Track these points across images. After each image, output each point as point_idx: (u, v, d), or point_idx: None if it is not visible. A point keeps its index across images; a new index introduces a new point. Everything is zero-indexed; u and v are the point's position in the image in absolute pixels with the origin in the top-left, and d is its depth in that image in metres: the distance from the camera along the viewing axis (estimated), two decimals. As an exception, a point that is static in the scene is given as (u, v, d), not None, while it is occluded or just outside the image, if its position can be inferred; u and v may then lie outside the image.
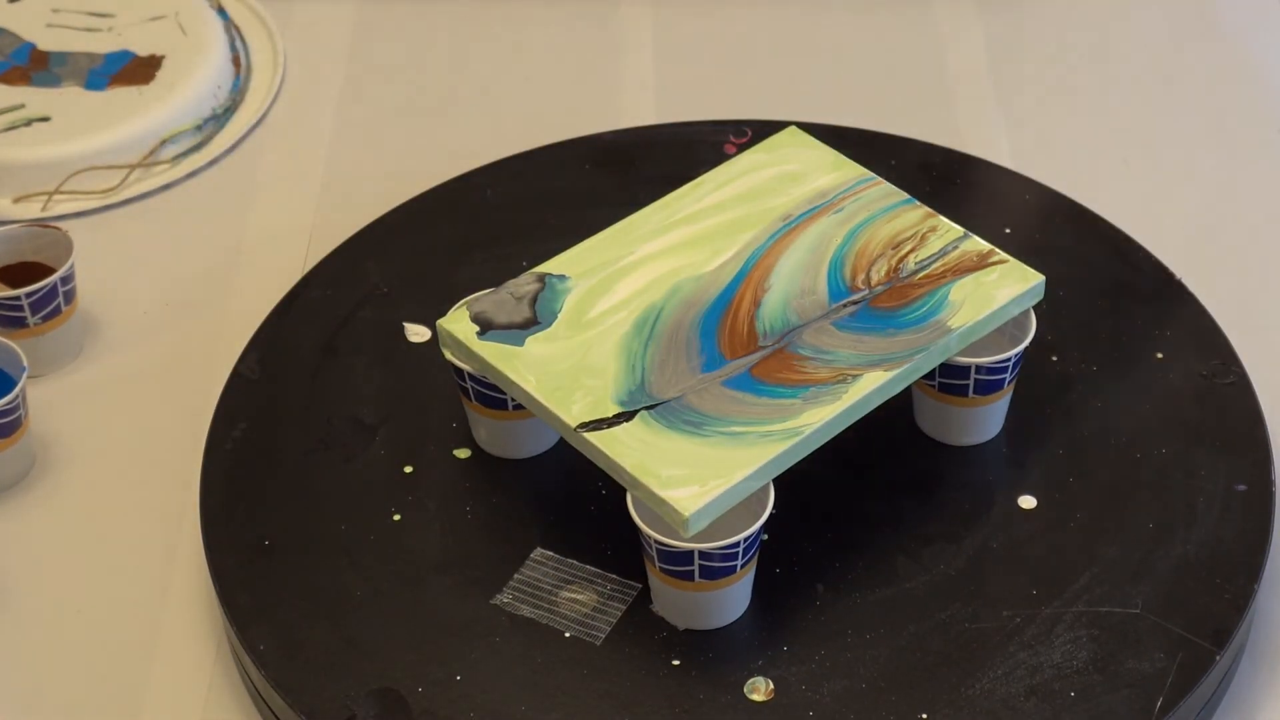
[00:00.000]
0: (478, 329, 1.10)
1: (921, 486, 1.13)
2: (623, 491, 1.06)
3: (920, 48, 1.50)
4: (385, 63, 1.51)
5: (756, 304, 1.12)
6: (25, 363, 1.19)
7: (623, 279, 1.13)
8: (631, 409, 1.06)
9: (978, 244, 1.15)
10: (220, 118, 1.45)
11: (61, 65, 1.45)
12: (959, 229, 1.16)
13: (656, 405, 1.06)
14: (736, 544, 1.03)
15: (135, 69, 1.44)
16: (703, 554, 1.02)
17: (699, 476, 1.03)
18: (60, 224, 1.31)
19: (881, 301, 1.12)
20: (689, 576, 1.04)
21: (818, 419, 1.06)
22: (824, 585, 1.08)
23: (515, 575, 1.08)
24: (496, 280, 1.16)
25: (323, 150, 1.43)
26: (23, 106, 1.42)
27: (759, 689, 1.03)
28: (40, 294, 1.24)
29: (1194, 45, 1.49)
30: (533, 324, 1.11)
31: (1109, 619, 1.06)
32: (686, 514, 1.01)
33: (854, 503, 1.12)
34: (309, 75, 1.50)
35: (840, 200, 1.18)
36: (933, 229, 1.16)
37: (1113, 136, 1.43)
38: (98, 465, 1.22)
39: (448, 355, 1.12)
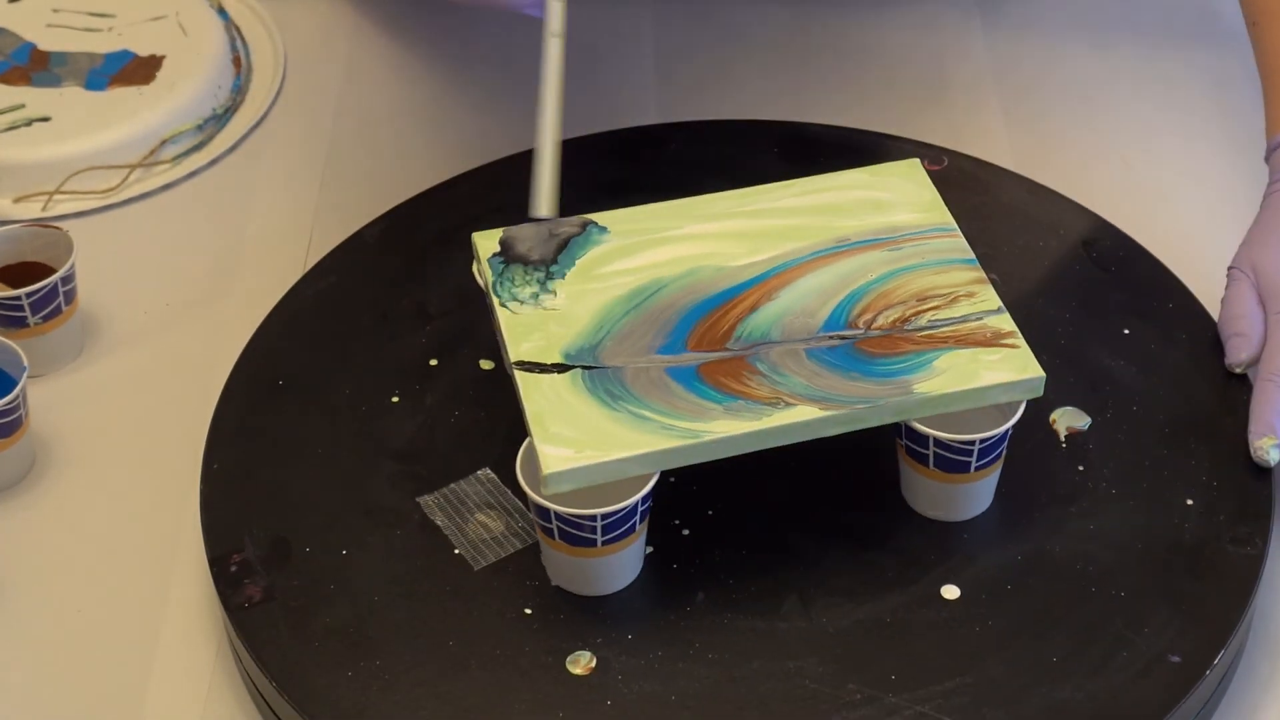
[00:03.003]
0: (497, 250, 1.13)
1: (861, 539, 1.11)
2: None
3: (920, 47, 1.50)
4: (386, 63, 1.51)
5: (752, 310, 1.12)
6: (25, 363, 1.19)
7: (654, 248, 1.14)
8: (570, 365, 1.08)
9: (1003, 322, 1.10)
10: (220, 118, 1.45)
11: (62, 65, 1.45)
12: (996, 302, 1.11)
13: (593, 369, 1.08)
14: (593, 516, 1.04)
15: (135, 69, 1.45)
16: (558, 515, 1.05)
17: (580, 442, 1.04)
18: (60, 224, 1.31)
19: (867, 346, 1.08)
20: (550, 534, 1.06)
21: (725, 430, 1.05)
22: (705, 595, 1.08)
23: (451, 485, 1.12)
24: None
25: (323, 150, 1.43)
26: (23, 106, 1.42)
27: (579, 662, 1.05)
28: (40, 294, 1.24)
29: (1194, 45, 1.49)
30: (548, 263, 1.12)
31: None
32: (546, 471, 1.03)
33: (786, 526, 1.11)
34: (309, 75, 1.50)
35: (904, 240, 1.14)
36: (970, 294, 1.11)
37: (1113, 137, 1.42)
38: (98, 465, 1.22)
39: (479, 276, 1.14)
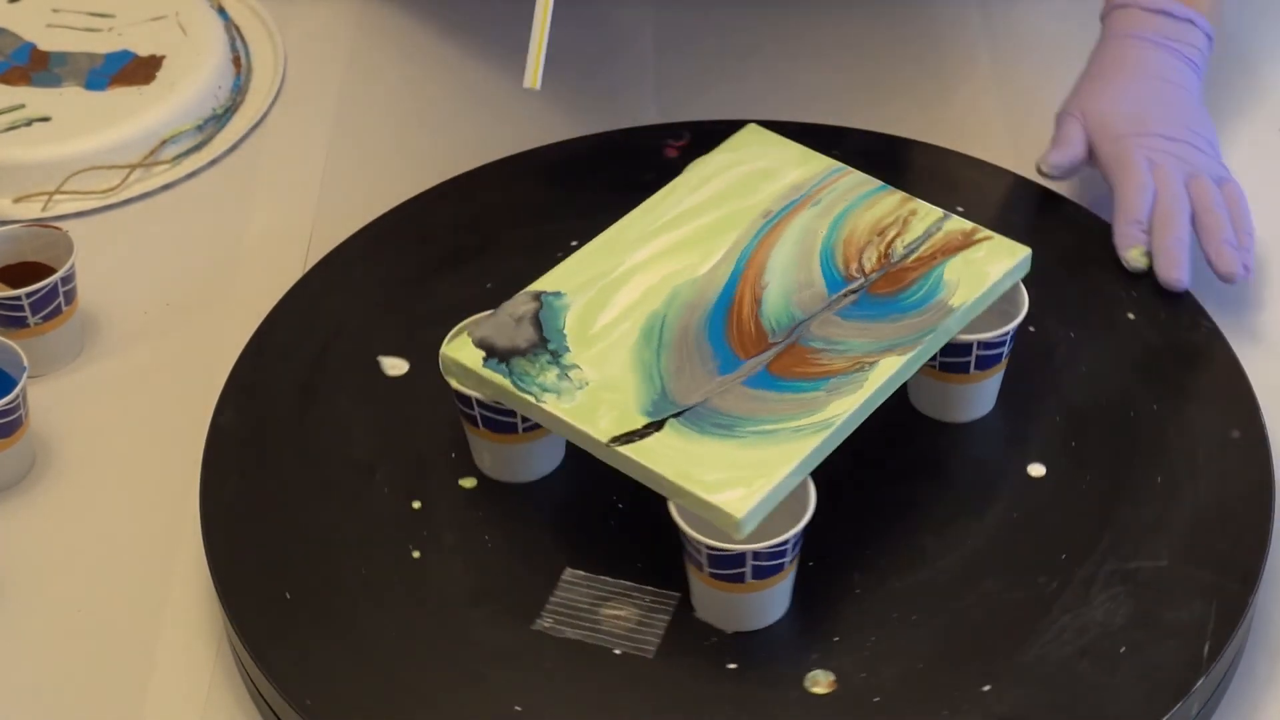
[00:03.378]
0: (484, 355, 1.10)
1: (930, 467, 1.14)
2: (641, 503, 1.07)
3: (921, 47, 1.50)
4: (386, 62, 1.51)
5: (758, 302, 1.12)
6: (25, 363, 1.19)
7: (618, 290, 1.13)
8: (659, 418, 1.06)
9: (960, 223, 1.16)
10: (220, 118, 1.45)
11: (62, 65, 1.45)
12: (938, 210, 1.17)
13: (682, 412, 1.06)
14: (786, 541, 1.03)
15: (135, 69, 1.45)
16: (755, 554, 1.03)
17: (743, 478, 1.03)
18: (60, 224, 1.31)
19: (879, 288, 1.13)
20: (740, 579, 1.04)
21: (845, 408, 1.06)
22: (860, 574, 1.08)
23: (550, 599, 1.08)
24: (493, 282, 1.16)
25: (323, 150, 1.43)
26: (23, 106, 1.42)
27: (820, 682, 1.04)
28: (40, 294, 1.24)
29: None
30: (543, 344, 1.10)
31: (1139, 574, 1.07)
32: (739, 516, 1.01)
33: (867, 491, 1.12)
34: (309, 75, 1.50)
35: (816, 192, 1.19)
36: (913, 212, 1.17)
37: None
38: (98, 465, 1.22)
39: (453, 383, 1.11)
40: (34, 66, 1.45)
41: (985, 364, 1.14)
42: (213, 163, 1.42)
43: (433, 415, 1.17)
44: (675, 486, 1.03)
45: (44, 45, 1.47)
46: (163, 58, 1.46)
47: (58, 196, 1.38)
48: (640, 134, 1.36)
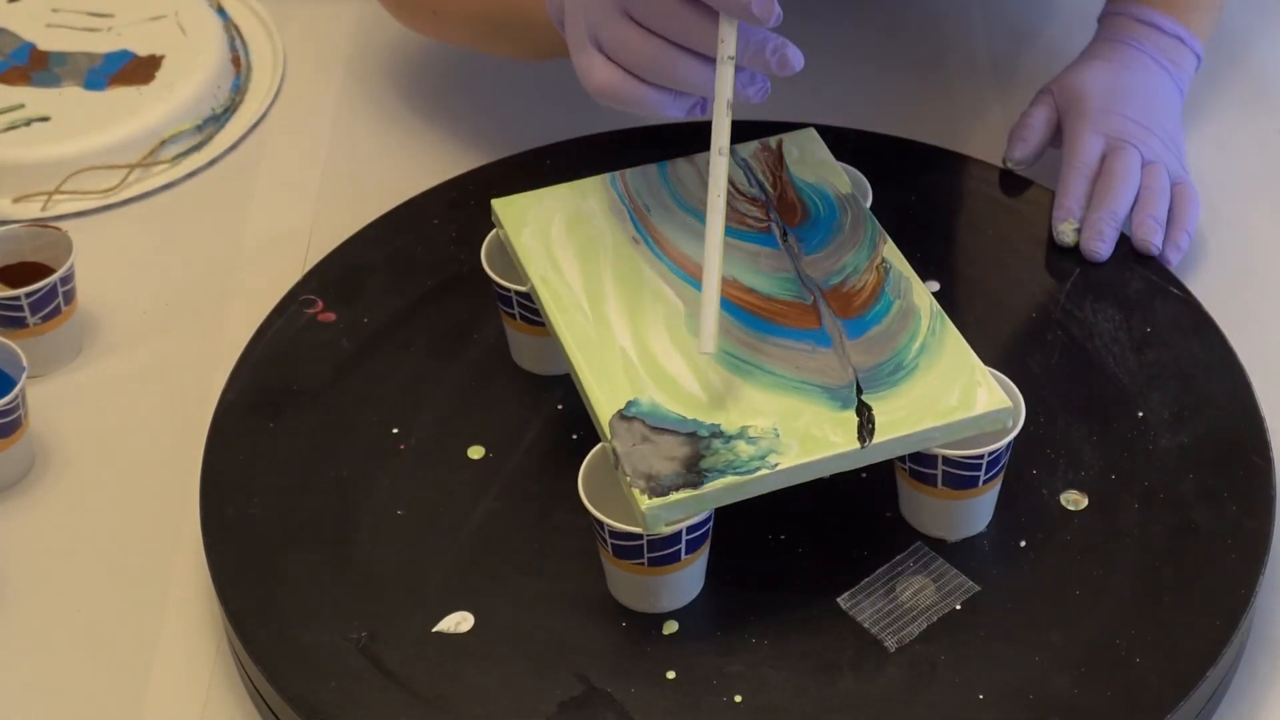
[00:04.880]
0: (682, 486, 1.03)
1: None
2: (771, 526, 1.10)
3: (921, 47, 1.50)
4: (385, 62, 1.50)
5: (750, 290, 1.13)
6: (25, 363, 1.19)
7: (662, 367, 1.09)
8: (856, 405, 1.07)
9: (748, 146, 1.21)
10: (220, 118, 1.45)
11: (61, 65, 1.45)
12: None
13: (859, 388, 1.07)
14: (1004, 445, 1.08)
15: (135, 69, 1.44)
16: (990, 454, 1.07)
17: (969, 382, 1.07)
18: (60, 224, 1.31)
19: (789, 220, 1.17)
20: (1001, 469, 1.09)
21: (924, 294, 1.12)
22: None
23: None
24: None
25: (323, 150, 1.43)
26: (23, 106, 1.42)
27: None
28: (40, 294, 1.24)
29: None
30: (693, 441, 1.05)
31: (1139, 574, 1.09)
32: (1006, 405, 1.06)
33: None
34: (309, 75, 1.49)
35: (635, 205, 1.18)
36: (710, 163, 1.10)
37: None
38: (98, 465, 1.22)
39: (666, 530, 1.04)
40: (33, 66, 1.45)
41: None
42: (212, 163, 1.42)
43: (433, 415, 1.17)
44: (945, 427, 1.05)
45: (43, 45, 1.46)
46: (162, 57, 1.46)
47: (57, 196, 1.38)
48: (640, 134, 1.36)
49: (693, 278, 1.13)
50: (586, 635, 1.06)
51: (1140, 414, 1.16)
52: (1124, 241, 1.27)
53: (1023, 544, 1.10)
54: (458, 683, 1.05)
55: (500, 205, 1.18)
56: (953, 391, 1.06)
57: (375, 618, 1.08)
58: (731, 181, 1.17)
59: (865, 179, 1.22)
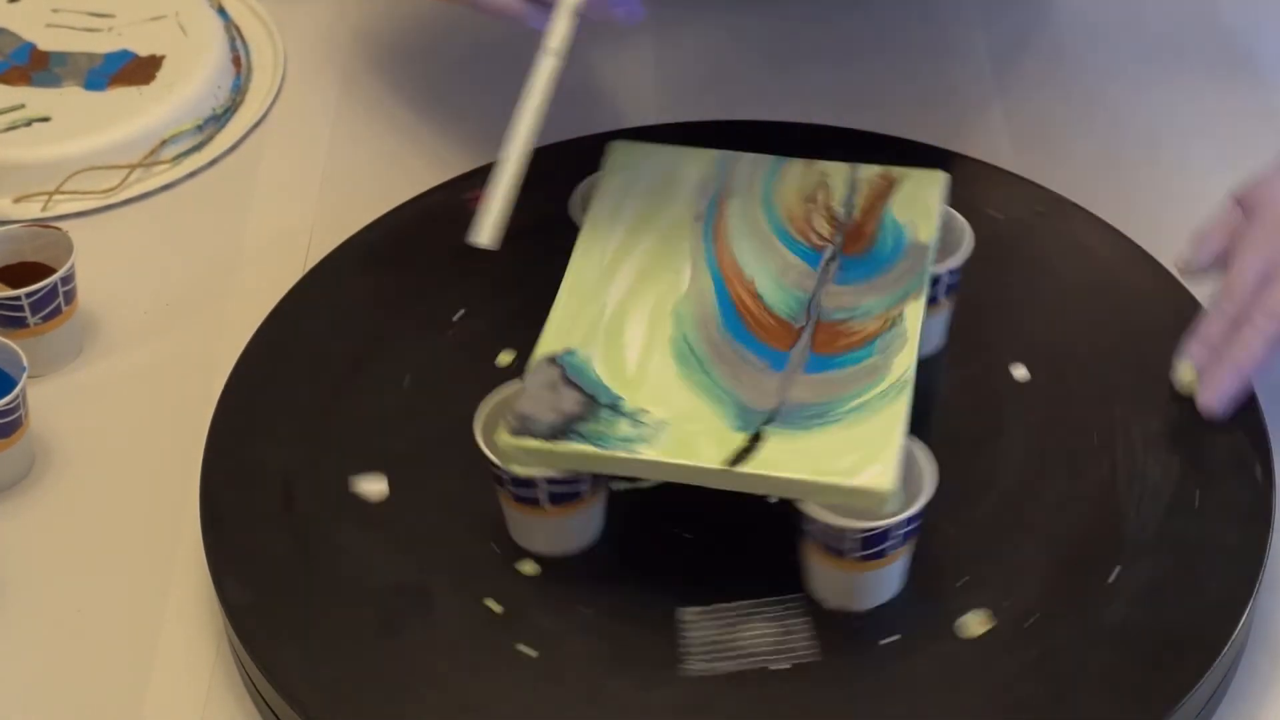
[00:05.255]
0: (559, 424, 1.06)
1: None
2: (705, 526, 1.09)
3: (921, 47, 1.50)
4: (385, 63, 1.51)
5: (757, 296, 1.13)
6: (25, 363, 1.19)
7: (623, 331, 1.12)
8: (753, 430, 1.06)
9: (869, 169, 1.20)
10: (220, 118, 1.45)
11: (61, 65, 1.45)
12: (844, 164, 1.21)
13: (771, 418, 1.06)
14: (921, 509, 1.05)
15: (135, 69, 1.45)
16: (907, 520, 1.04)
17: (869, 455, 1.04)
18: (60, 224, 1.31)
19: (850, 249, 1.16)
20: (884, 554, 1.05)
21: (907, 361, 1.09)
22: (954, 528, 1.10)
23: (683, 639, 1.06)
24: (494, 284, 1.16)
25: (323, 150, 1.43)
26: (23, 106, 1.42)
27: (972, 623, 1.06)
28: (40, 294, 1.24)
29: (1194, 45, 1.49)
30: (591, 403, 1.07)
31: (1139, 574, 1.09)
32: (887, 488, 1.03)
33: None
34: (309, 75, 1.50)
35: (726, 185, 1.21)
36: (823, 173, 1.21)
37: (1113, 137, 1.42)
38: (98, 465, 1.22)
39: (520, 471, 1.06)
40: (34, 66, 1.45)
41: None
42: (213, 163, 1.42)
43: (434, 414, 1.17)
44: (813, 485, 1.03)
45: (44, 45, 1.47)
46: (162, 58, 1.46)
47: (57, 196, 1.38)
48: (640, 134, 1.36)
49: (719, 273, 1.15)
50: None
51: (1139, 413, 1.16)
52: (1114, 242, 1.27)
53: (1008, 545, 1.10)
54: (458, 683, 1.05)
55: (616, 148, 1.23)
56: (849, 456, 1.04)
57: (377, 617, 1.08)
58: (829, 194, 1.19)
59: (969, 230, 1.18)
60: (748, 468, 1.04)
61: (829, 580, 1.07)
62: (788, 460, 1.04)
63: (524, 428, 1.06)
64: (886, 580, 1.07)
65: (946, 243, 1.18)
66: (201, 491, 1.14)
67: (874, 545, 1.04)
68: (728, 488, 1.05)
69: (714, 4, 1.53)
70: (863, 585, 1.06)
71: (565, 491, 1.07)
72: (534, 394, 1.08)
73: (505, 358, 1.20)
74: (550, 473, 1.06)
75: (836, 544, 1.04)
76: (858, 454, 1.04)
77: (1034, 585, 1.08)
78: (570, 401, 1.08)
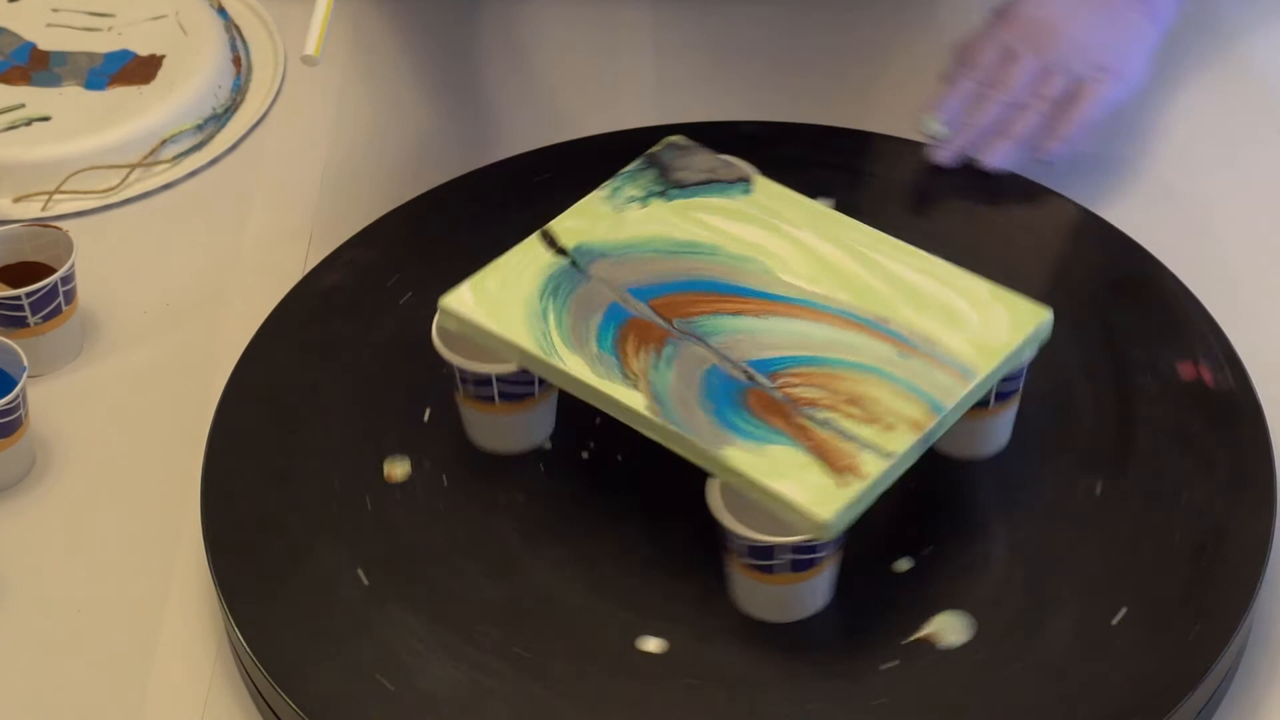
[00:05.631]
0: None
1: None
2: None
3: (920, 47, 1.50)
4: (386, 62, 1.51)
5: (735, 313, 1.11)
6: (25, 363, 1.19)
7: (751, 224, 1.16)
8: (568, 256, 1.13)
9: (872, 463, 1.04)
10: (220, 117, 1.45)
11: (62, 65, 1.45)
12: (899, 447, 1.05)
13: (576, 268, 1.12)
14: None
15: (135, 69, 1.45)
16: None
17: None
18: (60, 224, 1.31)
19: (754, 398, 1.07)
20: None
21: (571, 367, 1.09)
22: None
23: None
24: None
25: (323, 150, 1.43)
26: (23, 106, 1.42)
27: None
28: (40, 294, 1.24)
29: (1194, 45, 1.49)
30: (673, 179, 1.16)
31: (1139, 574, 1.08)
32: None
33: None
34: (309, 75, 1.50)
35: (918, 353, 1.09)
36: (890, 426, 1.06)
37: (1112, 137, 1.42)
38: (98, 465, 1.22)
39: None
40: (34, 66, 1.45)
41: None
42: (213, 162, 1.42)
43: (433, 414, 1.17)
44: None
45: (44, 45, 1.47)
46: (163, 57, 1.46)
47: (57, 196, 1.38)
48: (640, 134, 1.36)
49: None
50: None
51: (1140, 414, 1.16)
52: (1109, 239, 1.27)
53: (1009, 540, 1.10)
54: (460, 682, 1.05)
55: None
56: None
57: (377, 616, 1.08)
58: None
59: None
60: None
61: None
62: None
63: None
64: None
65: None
66: (202, 491, 1.14)
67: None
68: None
69: (714, 4, 1.53)
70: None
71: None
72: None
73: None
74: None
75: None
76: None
77: (1026, 589, 1.08)
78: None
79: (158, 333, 1.30)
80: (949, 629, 1.06)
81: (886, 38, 1.51)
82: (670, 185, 1.18)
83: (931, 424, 1.05)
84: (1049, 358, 1.19)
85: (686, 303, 1.12)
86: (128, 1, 1.50)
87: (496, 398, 1.12)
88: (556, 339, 1.09)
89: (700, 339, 1.09)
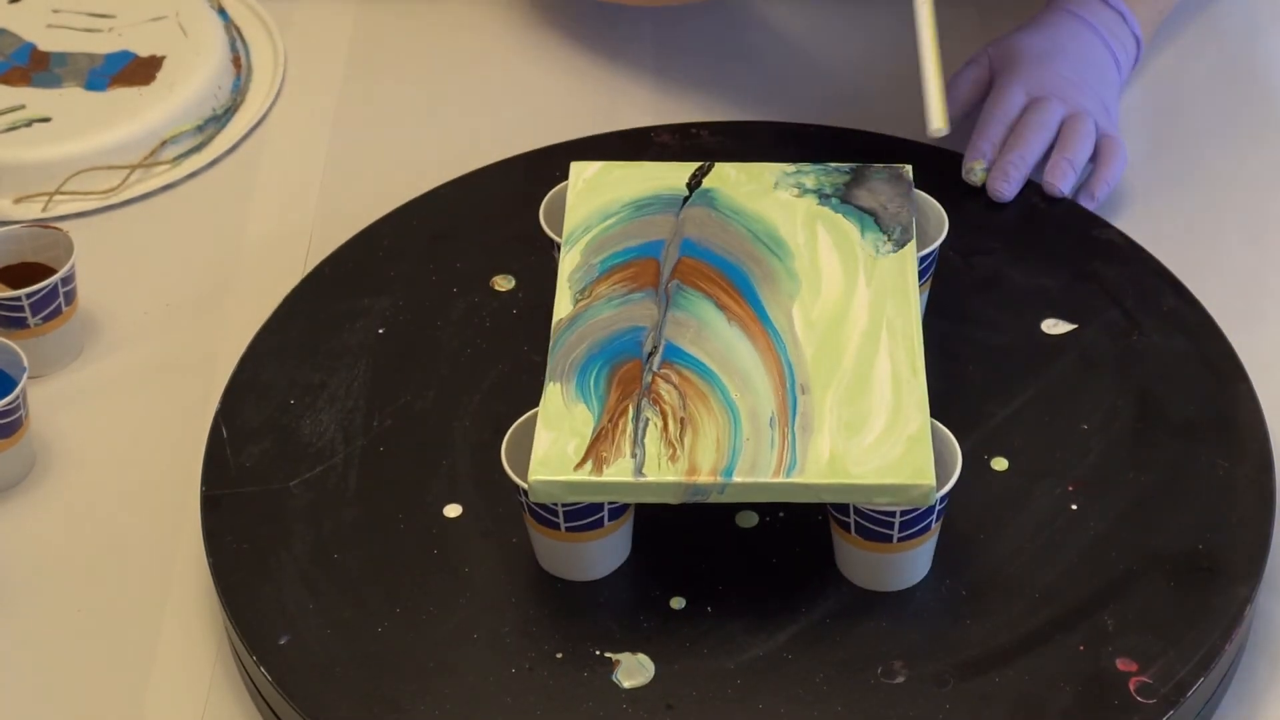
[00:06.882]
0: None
1: None
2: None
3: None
4: (385, 63, 1.51)
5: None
6: (25, 363, 1.19)
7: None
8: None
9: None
10: (220, 118, 1.45)
11: (62, 65, 1.45)
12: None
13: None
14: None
15: (136, 69, 1.45)
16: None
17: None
18: (61, 224, 1.31)
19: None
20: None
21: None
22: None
23: None
24: (494, 284, 1.16)
25: (323, 150, 1.43)
26: (23, 107, 1.42)
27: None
28: (41, 294, 1.24)
29: (1194, 45, 1.49)
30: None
31: (1139, 573, 1.09)
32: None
33: None
34: (309, 75, 1.50)
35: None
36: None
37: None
38: (98, 465, 1.22)
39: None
40: (34, 67, 1.45)
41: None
42: (213, 163, 1.42)
43: (434, 413, 1.17)
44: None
45: (44, 45, 1.47)
46: (163, 58, 1.46)
47: (58, 197, 1.38)
48: (640, 134, 1.36)
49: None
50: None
51: (1141, 414, 1.16)
52: (1111, 239, 1.27)
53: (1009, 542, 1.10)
54: (460, 683, 1.05)
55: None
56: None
57: (377, 616, 1.08)
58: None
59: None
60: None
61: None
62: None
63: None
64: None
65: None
66: (202, 490, 1.14)
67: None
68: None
69: (713, 3, 1.53)
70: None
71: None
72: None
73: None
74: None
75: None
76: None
77: (1025, 589, 1.08)
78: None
79: (158, 333, 1.30)
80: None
81: (885, 38, 1.50)
82: (837, 195, 1.18)
83: (705, 481, 1.03)
84: (1049, 345, 1.20)
85: (705, 274, 1.13)
86: (128, 2, 1.50)
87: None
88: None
89: (668, 304, 1.11)
